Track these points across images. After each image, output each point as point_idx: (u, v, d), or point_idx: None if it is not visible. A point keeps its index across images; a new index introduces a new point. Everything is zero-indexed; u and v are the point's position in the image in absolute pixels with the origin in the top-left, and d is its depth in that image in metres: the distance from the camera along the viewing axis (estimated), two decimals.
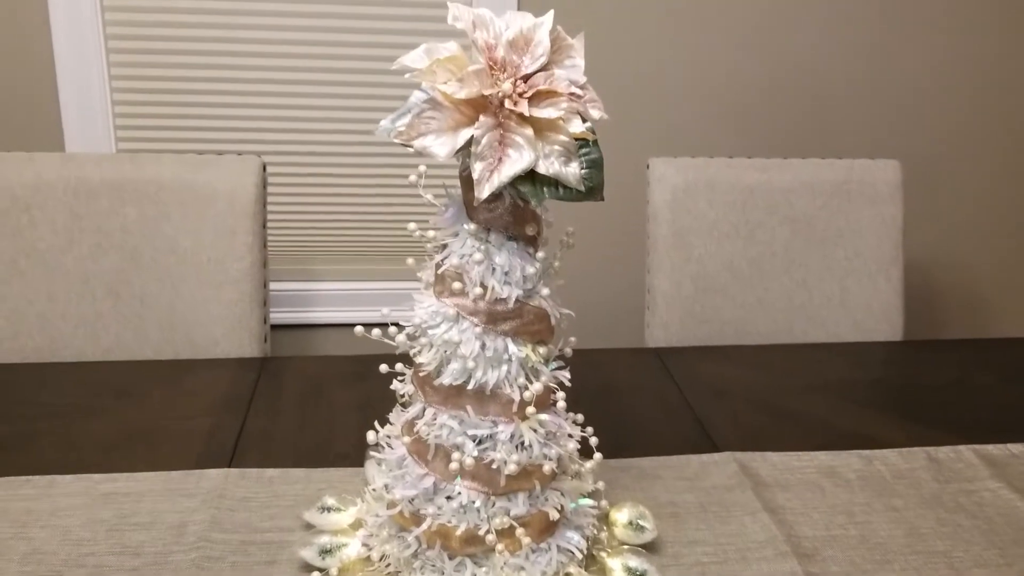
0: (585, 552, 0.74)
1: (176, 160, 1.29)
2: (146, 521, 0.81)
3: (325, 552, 0.76)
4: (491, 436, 0.69)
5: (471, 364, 0.67)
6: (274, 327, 1.84)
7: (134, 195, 1.27)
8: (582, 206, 1.86)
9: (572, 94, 0.63)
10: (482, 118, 0.62)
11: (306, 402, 1.05)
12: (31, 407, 1.01)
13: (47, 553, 0.76)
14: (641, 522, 0.80)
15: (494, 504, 0.70)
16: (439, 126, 0.62)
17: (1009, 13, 1.88)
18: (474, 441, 0.69)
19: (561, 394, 0.72)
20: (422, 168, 0.76)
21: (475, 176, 0.61)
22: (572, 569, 0.72)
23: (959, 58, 1.89)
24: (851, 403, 1.09)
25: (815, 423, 1.04)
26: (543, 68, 0.64)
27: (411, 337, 0.71)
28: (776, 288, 1.41)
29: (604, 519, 0.80)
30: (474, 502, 0.69)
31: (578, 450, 0.74)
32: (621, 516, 0.81)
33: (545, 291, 0.69)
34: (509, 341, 0.68)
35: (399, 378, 0.75)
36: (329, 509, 0.81)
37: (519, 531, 0.70)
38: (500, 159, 0.61)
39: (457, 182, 0.68)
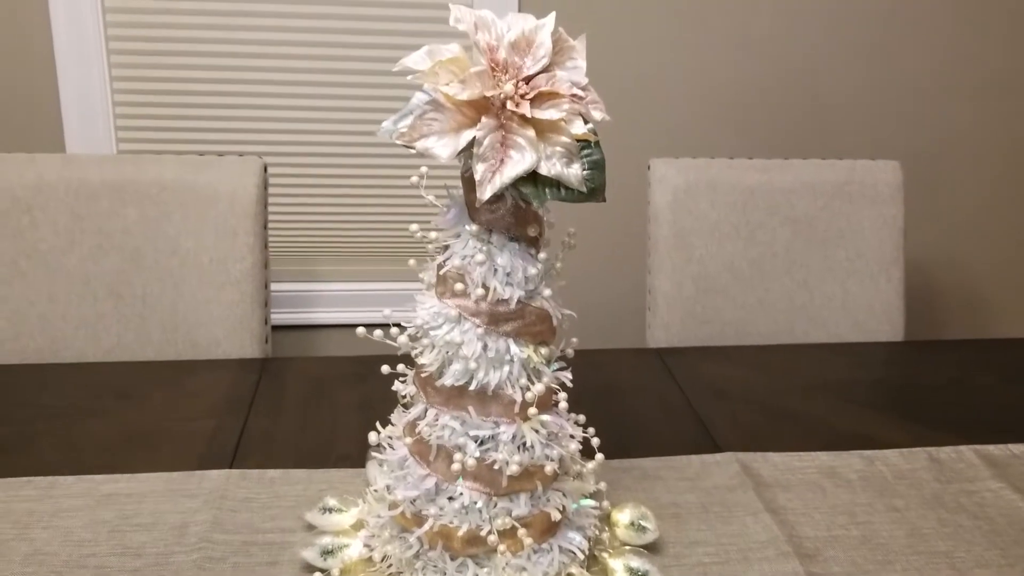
0: (587, 553, 0.74)
1: (177, 161, 1.29)
2: (148, 522, 0.81)
3: (327, 553, 0.76)
4: (493, 437, 0.69)
5: (473, 365, 0.67)
6: (275, 328, 1.84)
7: (135, 196, 1.27)
8: (583, 207, 1.86)
9: (574, 95, 0.63)
10: (484, 119, 0.62)
11: (308, 403, 1.05)
12: (32, 408, 1.01)
13: (49, 554, 0.76)
14: (643, 523, 0.80)
15: (496, 505, 0.70)
16: (441, 127, 0.62)
17: (1009, 13, 1.88)
18: (476, 442, 0.69)
19: (563, 395, 0.72)
20: (424, 169, 0.76)
21: (477, 177, 0.61)
22: (574, 570, 0.72)
23: (959, 58, 1.89)
24: (852, 403, 1.09)
25: (816, 423, 1.04)
26: (545, 69, 0.64)
27: (413, 338, 0.71)
28: (777, 289, 1.41)
29: (606, 520, 0.80)
30: (476, 503, 0.69)
31: (580, 451, 0.74)
32: (623, 517, 0.81)
33: (547, 292, 0.69)
34: (511, 342, 0.68)
35: (401, 379, 0.75)
36: (331, 510, 0.81)
37: (521, 532, 0.70)
38: (502, 160, 0.61)
39: (459, 183, 0.68)
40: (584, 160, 0.63)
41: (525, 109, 0.62)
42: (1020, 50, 1.91)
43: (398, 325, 0.71)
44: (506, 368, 0.68)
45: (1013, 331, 2.10)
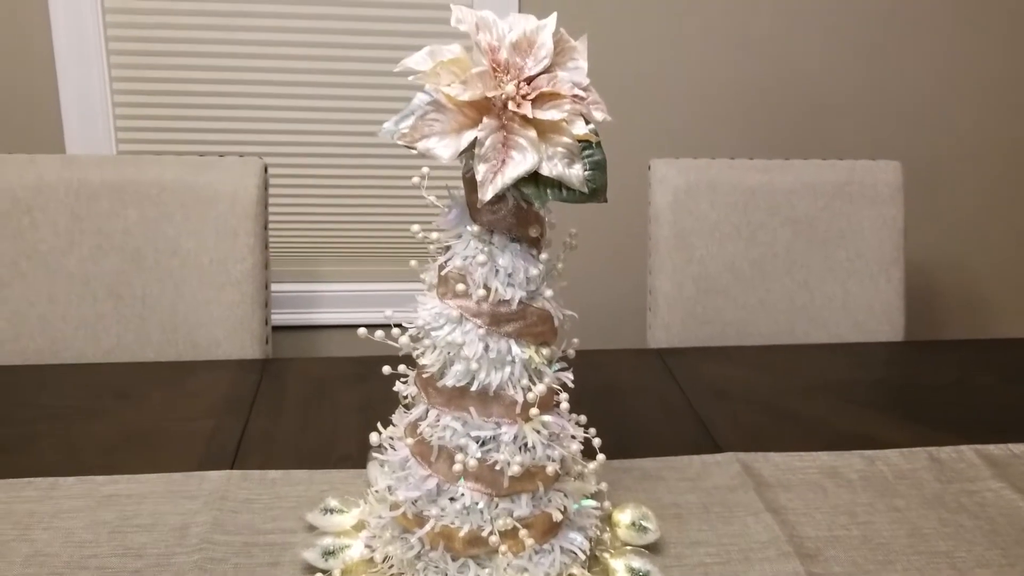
0: (588, 553, 0.74)
1: (177, 162, 1.29)
2: (148, 523, 0.81)
3: (328, 554, 0.76)
4: (494, 437, 0.69)
5: (474, 366, 0.67)
6: (276, 328, 1.84)
7: (135, 197, 1.27)
8: (584, 207, 1.86)
9: (575, 96, 0.63)
10: (485, 120, 0.62)
11: (308, 403, 1.05)
12: (32, 409, 1.01)
13: (49, 555, 0.76)
14: (644, 523, 0.80)
15: (497, 505, 0.70)
16: (442, 128, 0.62)
17: (1009, 13, 1.88)
18: (477, 442, 0.69)
19: (564, 395, 0.72)
20: (425, 170, 0.76)
21: (478, 178, 0.61)
22: (575, 570, 0.72)
23: (959, 59, 1.89)
24: (853, 403, 1.09)
25: (817, 423, 1.04)
26: (546, 70, 0.64)
27: (414, 339, 0.71)
28: (778, 289, 1.41)
29: (607, 520, 0.80)
30: (477, 503, 0.69)
31: (581, 451, 0.74)
32: (624, 517, 0.81)
33: (548, 292, 0.69)
34: (512, 343, 0.68)
35: (402, 380, 0.75)
36: (332, 511, 0.81)
37: (522, 532, 0.70)
38: (503, 161, 0.61)
39: (460, 184, 0.68)
40: (585, 161, 0.63)
41: (527, 110, 0.62)
42: (1020, 50, 1.91)
43: (399, 326, 0.71)
44: (507, 369, 0.68)
45: (1013, 331, 2.10)
